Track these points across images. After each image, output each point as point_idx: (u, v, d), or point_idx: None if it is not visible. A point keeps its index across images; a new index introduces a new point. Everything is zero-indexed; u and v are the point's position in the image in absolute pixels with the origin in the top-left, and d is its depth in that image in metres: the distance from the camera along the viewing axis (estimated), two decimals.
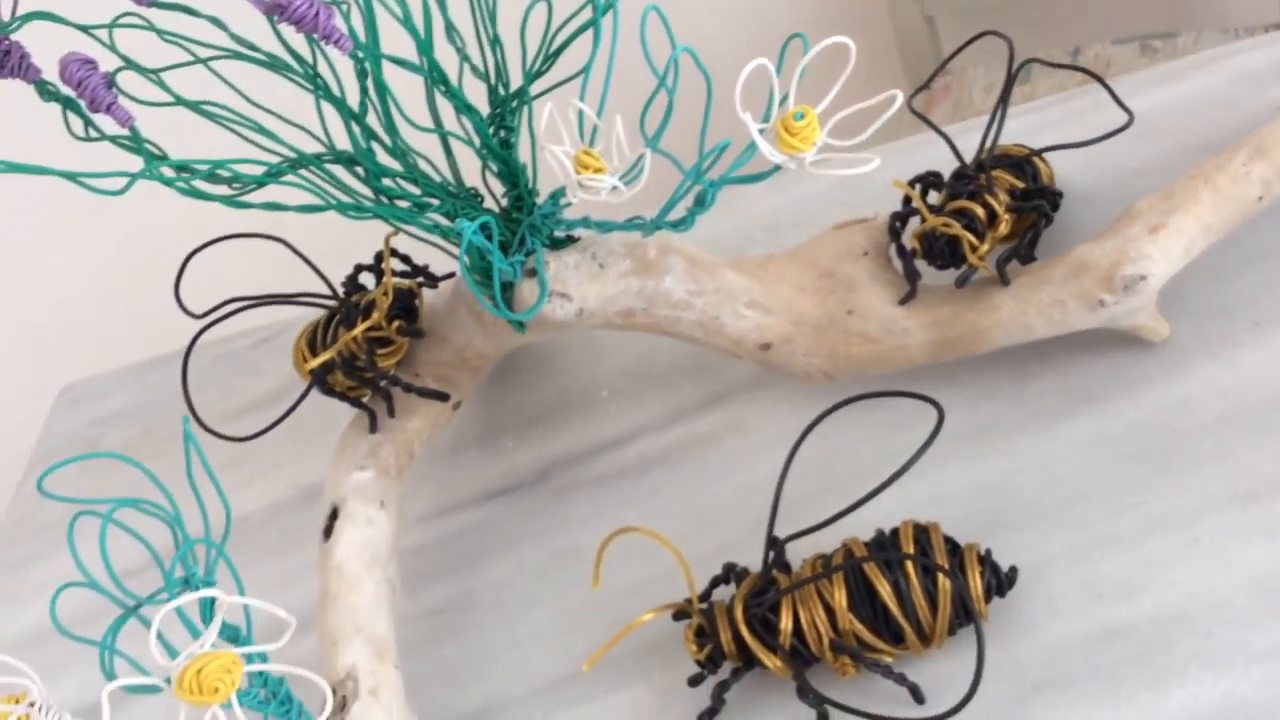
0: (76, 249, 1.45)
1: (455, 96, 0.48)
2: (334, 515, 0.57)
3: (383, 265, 0.57)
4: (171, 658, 0.37)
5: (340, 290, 0.60)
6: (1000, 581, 0.49)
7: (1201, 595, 0.47)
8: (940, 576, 0.47)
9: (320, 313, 0.62)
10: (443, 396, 0.58)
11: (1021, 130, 0.65)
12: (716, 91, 0.45)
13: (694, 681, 0.51)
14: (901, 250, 0.55)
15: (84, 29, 0.49)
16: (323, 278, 0.59)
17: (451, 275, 0.59)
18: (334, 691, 0.52)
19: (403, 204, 0.50)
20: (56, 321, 1.48)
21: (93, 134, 0.50)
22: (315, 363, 0.56)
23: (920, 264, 0.55)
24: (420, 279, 0.59)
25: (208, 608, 0.41)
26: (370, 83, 0.47)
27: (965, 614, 0.48)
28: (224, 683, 0.35)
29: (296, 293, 0.58)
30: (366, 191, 0.50)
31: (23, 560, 0.74)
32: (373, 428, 0.59)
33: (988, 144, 0.56)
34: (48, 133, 0.52)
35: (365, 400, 0.59)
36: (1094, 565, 0.50)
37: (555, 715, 0.54)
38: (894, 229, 0.56)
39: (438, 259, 0.61)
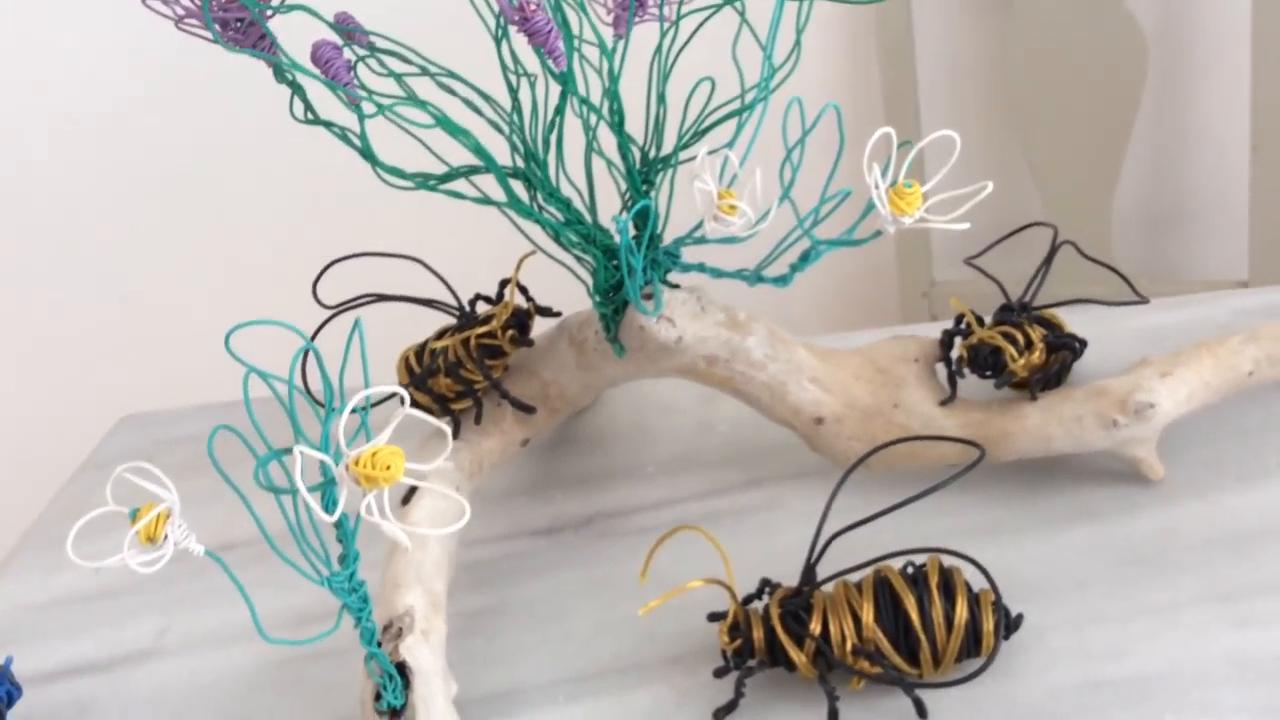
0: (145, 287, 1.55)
1: (620, 132, 0.58)
2: (413, 489, 0.63)
3: (507, 286, 0.66)
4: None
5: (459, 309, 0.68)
6: (1008, 623, 0.55)
7: (1180, 662, 0.54)
8: (958, 604, 0.54)
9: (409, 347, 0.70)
10: (530, 409, 0.65)
11: None
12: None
13: (719, 673, 0.56)
14: (948, 360, 0.65)
15: (332, 26, 0.60)
16: (450, 290, 0.67)
17: (558, 314, 0.68)
18: (390, 624, 0.57)
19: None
20: (115, 356, 1.54)
21: (309, 116, 0.61)
22: (436, 345, 0.64)
23: (963, 376, 0.65)
24: (535, 305, 0.67)
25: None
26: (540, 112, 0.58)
27: (975, 643, 0.54)
28: (394, 464, 0.41)
29: (424, 298, 0.66)
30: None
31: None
32: (455, 434, 0.66)
33: (1030, 291, 0.66)
34: None
35: (457, 410, 0.67)
36: (1087, 634, 0.56)
37: (577, 702, 0.59)
38: (944, 341, 0.65)
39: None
